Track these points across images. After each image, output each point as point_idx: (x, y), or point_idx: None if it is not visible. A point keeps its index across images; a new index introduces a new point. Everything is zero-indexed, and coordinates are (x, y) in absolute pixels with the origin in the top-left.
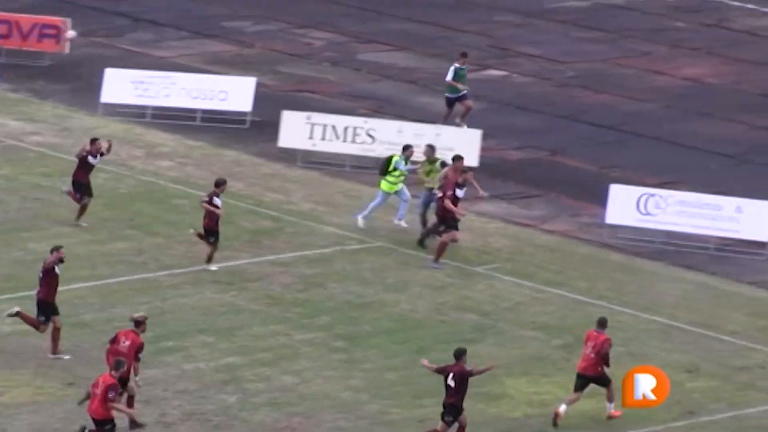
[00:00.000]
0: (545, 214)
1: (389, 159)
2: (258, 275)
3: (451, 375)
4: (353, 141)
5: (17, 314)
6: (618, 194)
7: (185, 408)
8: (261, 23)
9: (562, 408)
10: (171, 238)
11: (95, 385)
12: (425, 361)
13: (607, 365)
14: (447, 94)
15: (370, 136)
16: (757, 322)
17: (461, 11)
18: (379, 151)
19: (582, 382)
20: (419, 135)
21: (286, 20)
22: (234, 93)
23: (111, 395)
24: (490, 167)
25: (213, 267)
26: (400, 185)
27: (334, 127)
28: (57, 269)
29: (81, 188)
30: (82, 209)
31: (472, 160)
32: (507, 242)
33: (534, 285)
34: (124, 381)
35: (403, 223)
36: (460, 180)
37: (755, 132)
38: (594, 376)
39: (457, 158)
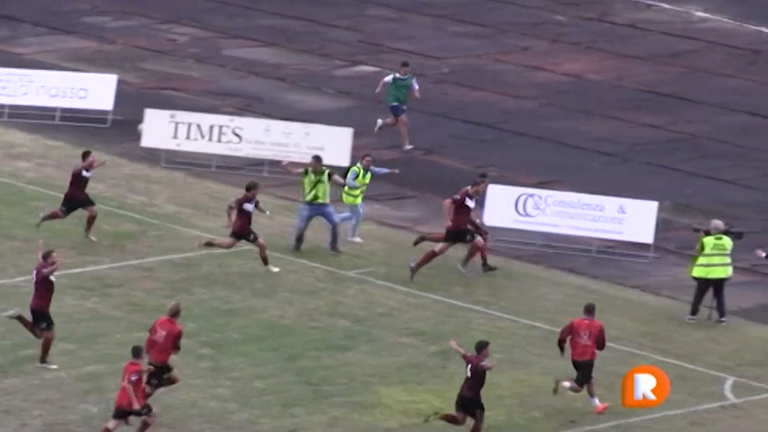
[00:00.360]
0: (419, 215)
1: (347, 171)
2: (120, 280)
3: (469, 366)
4: (219, 140)
5: (18, 318)
6: (495, 195)
7: (46, 418)
8: (122, 18)
9: (566, 384)
10: (30, 242)
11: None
12: (453, 342)
13: (603, 349)
14: (392, 103)
15: (236, 135)
16: (641, 328)
17: (331, 5)
18: (246, 150)
19: (576, 365)
20: (288, 134)
21: (149, 15)
22: (94, 91)
23: (134, 378)
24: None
25: (275, 269)
26: (360, 198)
27: (199, 126)
28: (53, 277)
29: (75, 204)
30: (91, 221)
31: (343, 159)
32: (380, 245)
33: (409, 290)
34: (163, 369)
35: (357, 239)
36: (471, 190)
37: (637, 129)
38: (589, 360)
39: (482, 176)
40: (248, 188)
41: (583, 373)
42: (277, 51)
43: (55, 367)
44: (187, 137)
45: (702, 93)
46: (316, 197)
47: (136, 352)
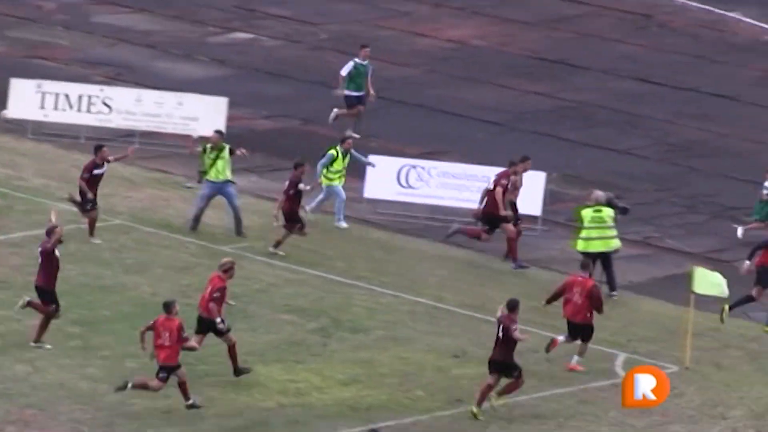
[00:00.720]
0: None
1: (327, 151)
2: None
3: (501, 326)
4: (88, 111)
5: (28, 304)
6: (378, 166)
7: None
8: None
9: (561, 338)
10: None
11: (158, 336)
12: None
13: (601, 311)
14: (347, 92)
15: (106, 105)
16: (529, 303)
17: None
18: (117, 121)
19: (572, 328)
20: (160, 104)
21: None
22: None
23: (184, 335)
24: (237, 138)
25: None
26: (341, 180)
27: (67, 96)
28: (57, 252)
29: (87, 202)
30: (93, 223)
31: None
32: (257, 219)
33: (287, 265)
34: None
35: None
36: (510, 172)
37: (524, 97)
38: (583, 323)
39: (524, 159)
40: (296, 166)
41: (581, 336)
42: (148, 17)
43: (49, 347)
44: (55, 108)
45: (590, 59)
46: (216, 174)
47: (167, 307)
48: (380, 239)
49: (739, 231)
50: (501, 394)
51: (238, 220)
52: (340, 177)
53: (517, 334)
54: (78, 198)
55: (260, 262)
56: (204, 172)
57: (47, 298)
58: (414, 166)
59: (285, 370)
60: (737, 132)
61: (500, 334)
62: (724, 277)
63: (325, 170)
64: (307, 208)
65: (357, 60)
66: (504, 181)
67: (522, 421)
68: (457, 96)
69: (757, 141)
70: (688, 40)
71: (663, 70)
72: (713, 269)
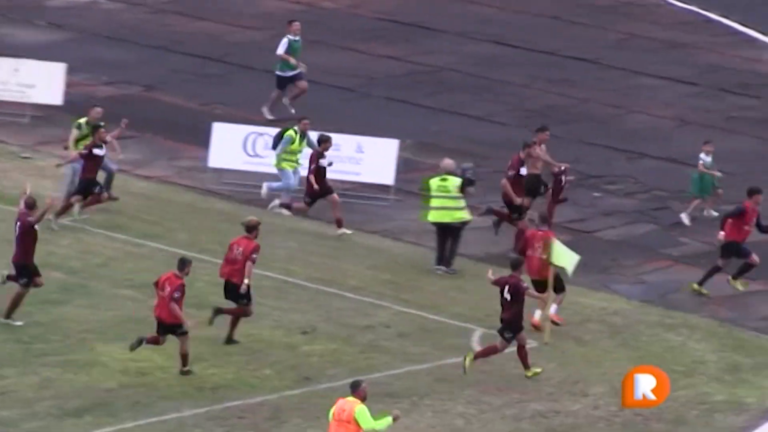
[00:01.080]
0: (140, 158)
1: (282, 133)
2: None
3: (507, 287)
4: None
5: (9, 278)
6: (221, 134)
7: None
8: None
9: (537, 315)
10: None
11: (161, 287)
12: (490, 272)
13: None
14: (278, 72)
15: None
16: (381, 276)
17: None
18: None
19: (536, 285)
20: None
21: None
22: None
23: (176, 295)
24: (76, 105)
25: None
26: (297, 165)
27: None
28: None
29: (90, 186)
30: (95, 202)
31: (55, 97)
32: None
33: (128, 238)
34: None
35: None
36: (523, 155)
37: (376, 62)
38: (545, 279)
39: (541, 129)
40: (320, 141)
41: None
42: None
43: (20, 323)
44: None
45: (445, 21)
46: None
47: (182, 264)
48: (225, 210)
49: (684, 218)
50: (526, 364)
51: (108, 183)
52: (297, 161)
53: (531, 292)
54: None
55: (99, 235)
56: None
57: (23, 275)
58: (261, 134)
59: (126, 348)
60: (598, 97)
61: (507, 296)
62: (585, 247)
63: (282, 154)
64: (275, 209)
65: (290, 36)
66: (511, 172)
67: (374, 399)
68: (306, 60)
69: (618, 106)
70: (547, 1)
71: (521, 32)
72: (574, 239)
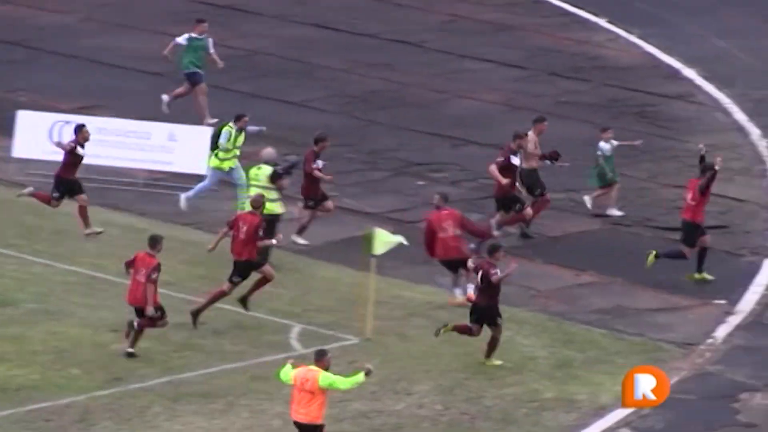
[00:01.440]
0: None
1: (219, 131)
2: None
3: (480, 273)
4: None
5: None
6: (26, 122)
7: None
8: None
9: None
10: None
11: (136, 271)
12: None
13: (483, 234)
14: (188, 69)
15: None
16: (195, 271)
17: None
18: None
19: (448, 265)
20: None
21: None
22: None
23: (154, 276)
24: None
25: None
26: (234, 162)
27: None
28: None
29: (68, 187)
30: (83, 210)
31: None
32: None
33: None
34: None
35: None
36: (514, 145)
37: None
38: (458, 258)
39: (539, 120)
40: (317, 141)
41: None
42: None
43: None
44: None
45: (262, 4)
46: None
47: (154, 241)
48: (31, 203)
49: (587, 201)
50: (489, 355)
51: None
52: (232, 158)
53: (496, 277)
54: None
55: None
56: None
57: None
58: (68, 122)
59: None
60: (421, 81)
61: (480, 282)
62: (409, 238)
63: (219, 153)
64: (182, 205)
65: (193, 35)
66: (500, 158)
67: (188, 400)
68: (115, 45)
69: (442, 90)
70: None
71: (341, 15)
72: (394, 231)
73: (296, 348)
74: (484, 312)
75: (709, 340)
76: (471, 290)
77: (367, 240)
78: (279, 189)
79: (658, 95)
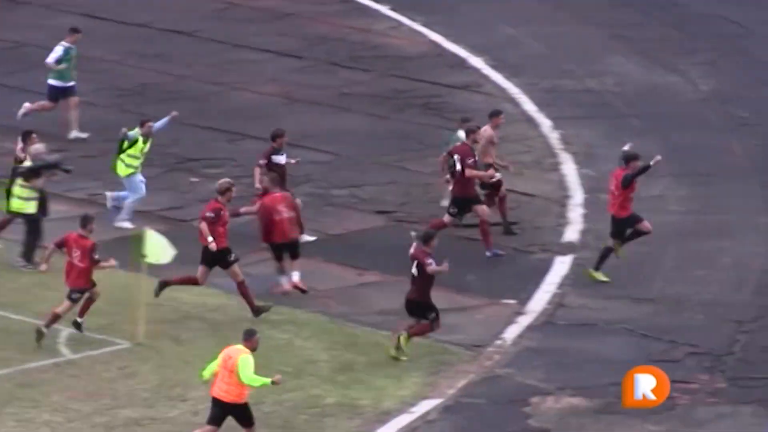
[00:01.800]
0: None
1: (122, 140)
2: None
3: (415, 262)
4: None
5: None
6: None
7: None
8: None
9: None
10: None
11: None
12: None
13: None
14: (51, 81)
15: None
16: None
17: None
18: None
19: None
20: None
21: None
22: None
23: (95, 256)
24: None
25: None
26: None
27: None
28: None
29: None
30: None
31: None
32: None
33: None
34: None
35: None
36: (468, 142)
37: None
38: (292, 240)
39: (495, 114)
40: (274, 137)
41: (293, 252)
42: None
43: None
44: None
45: None
46: None
47: (85, 221)
48: None
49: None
50: (411, 335)
51: None
52: (138, 165)
53: (431, 268)
54: None
55: None
56: None
57: None
58: None
59: None
60: (196, 73)
61: (414, 271)
62: (183, 237)
63: (123, 155)
64: (117, 222)
65: (66, 43)
66: (470, 160)
67: None
68: None
69: (218, 82)
70: None
71: (110, 5)
72: (170, 229)
73: (64, 353)
74: (416, 307)
75: (498, 342)
76: (296, 277)
77: (137, 241)
78: (34, 188)
79: (443, 85)
